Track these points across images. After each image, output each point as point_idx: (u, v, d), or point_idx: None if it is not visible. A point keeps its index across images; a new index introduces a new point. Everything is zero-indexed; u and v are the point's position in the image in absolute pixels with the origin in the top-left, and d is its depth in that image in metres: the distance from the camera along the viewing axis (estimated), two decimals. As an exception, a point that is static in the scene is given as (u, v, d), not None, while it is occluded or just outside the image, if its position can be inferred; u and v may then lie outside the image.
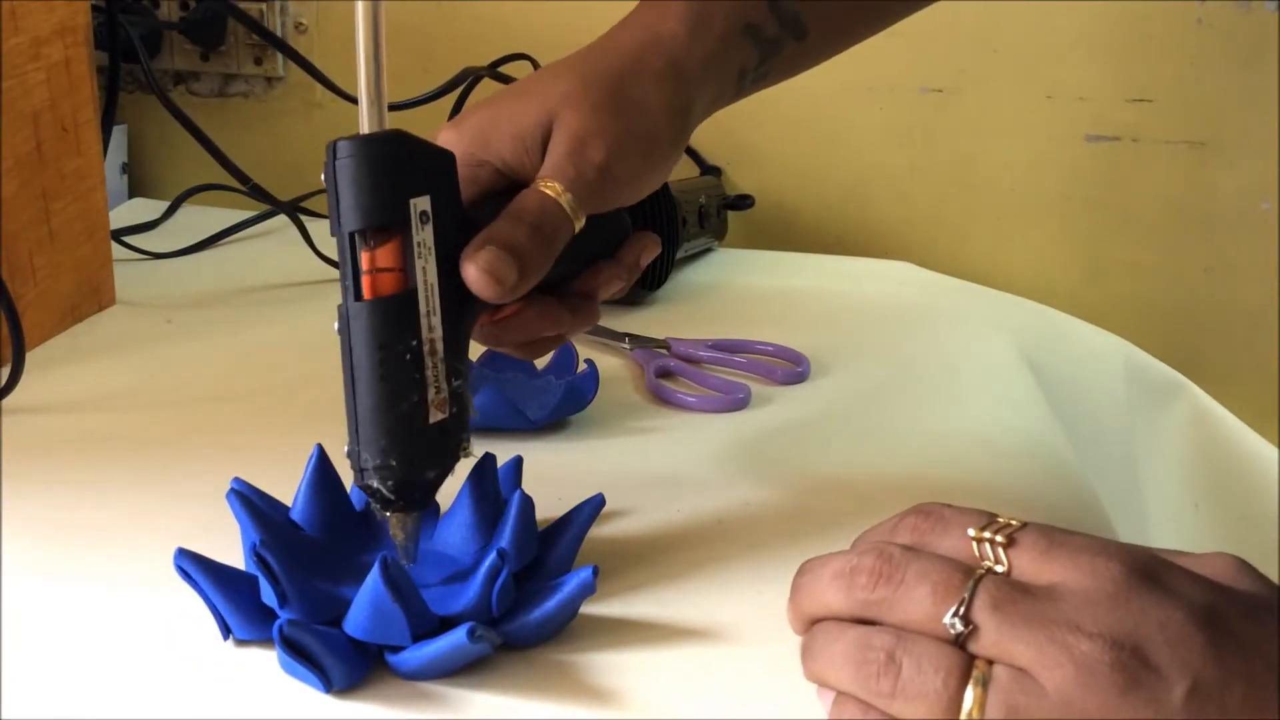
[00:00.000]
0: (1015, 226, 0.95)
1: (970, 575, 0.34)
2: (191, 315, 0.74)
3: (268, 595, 0.39)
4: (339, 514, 0.45)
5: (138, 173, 1.02)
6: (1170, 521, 0.86)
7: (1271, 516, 0.83)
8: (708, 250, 0.89)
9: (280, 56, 0.96)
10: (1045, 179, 0.93)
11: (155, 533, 0.47)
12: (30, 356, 0.59)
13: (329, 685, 0.38)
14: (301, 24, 0.97)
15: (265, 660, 0.40)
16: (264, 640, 0.40)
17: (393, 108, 0.84)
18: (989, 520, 0.36)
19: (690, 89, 0.49)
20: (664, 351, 0.69)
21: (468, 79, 0.84)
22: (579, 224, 0.45)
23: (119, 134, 0.98)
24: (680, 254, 0.82)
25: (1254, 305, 0.92)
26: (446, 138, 0.47)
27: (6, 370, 0.58)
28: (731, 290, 0.83)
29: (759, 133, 0.94)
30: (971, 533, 0.36)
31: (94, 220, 0.71)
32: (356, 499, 0.47)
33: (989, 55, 0.91)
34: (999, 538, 0.35)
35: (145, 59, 0.84)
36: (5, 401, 0.58)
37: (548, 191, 0.45)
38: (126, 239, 0.84)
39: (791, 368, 0.67)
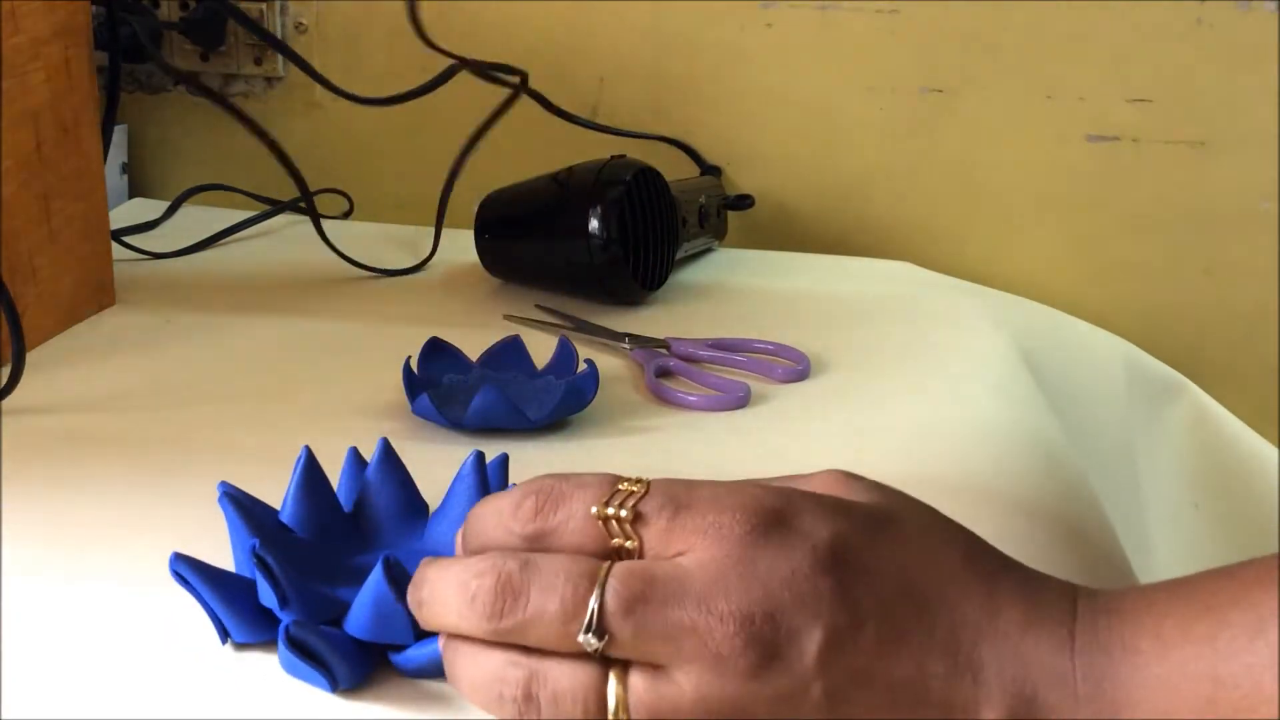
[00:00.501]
0: (1015, 226, 0.95)
1: (595, 579, 0.32)
2: (191, 315, 0.74)
3: (266, 597, 0.39)
4: (329, 516, 0.45)
5: (138, 173, 1.02)
6: (1170, 521, 0.86)
7: (1271, 516, 0.83)
8: (708, 250, 0.89)
9: (280, 57, 0.96)
10: (1045, 179, 0.93)
11: (155, 533, 0.47)
12: (30, 356, 0.59)
13: (335, 685, 0.38)
14: (301, 24, 0.97)
15: (265, 661, 0.40)
16: (262, 643, 0.40)
17: (386, 102, 0.84)
18: (611, 491, 0.34)
19: None
20: (664, 351, 0.69)
21: (455, 72, 0.84)
22: None
23: (119, 134, 0.98)
24: (680, 254, 0.82)
25: (1254, 305, 0.92)
26: None
27: (6, 370, 0.58)
28: (731, 290, 0.83)
29: (759, 133, 0.94)
30: (595, 510, 0.34)
31: (94, 220, 0.71)
32: (345, 500, 0.47)
33: (989, 55, 0.91)
34: (624, 512, 0.33)
35: (155, 52, 0.84)
36: (5, 401, 0.58)
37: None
38: (126, 239, 0.84)
39: (792, 366, 0.67)
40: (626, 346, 0.70)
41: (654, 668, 0.31)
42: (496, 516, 0.35)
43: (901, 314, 0.79)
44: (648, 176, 0.77)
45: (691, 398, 0.63)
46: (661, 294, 0.80)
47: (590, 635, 0.31)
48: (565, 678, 0.32)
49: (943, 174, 0.94)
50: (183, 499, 0.50)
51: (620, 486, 0.34)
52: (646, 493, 0.33)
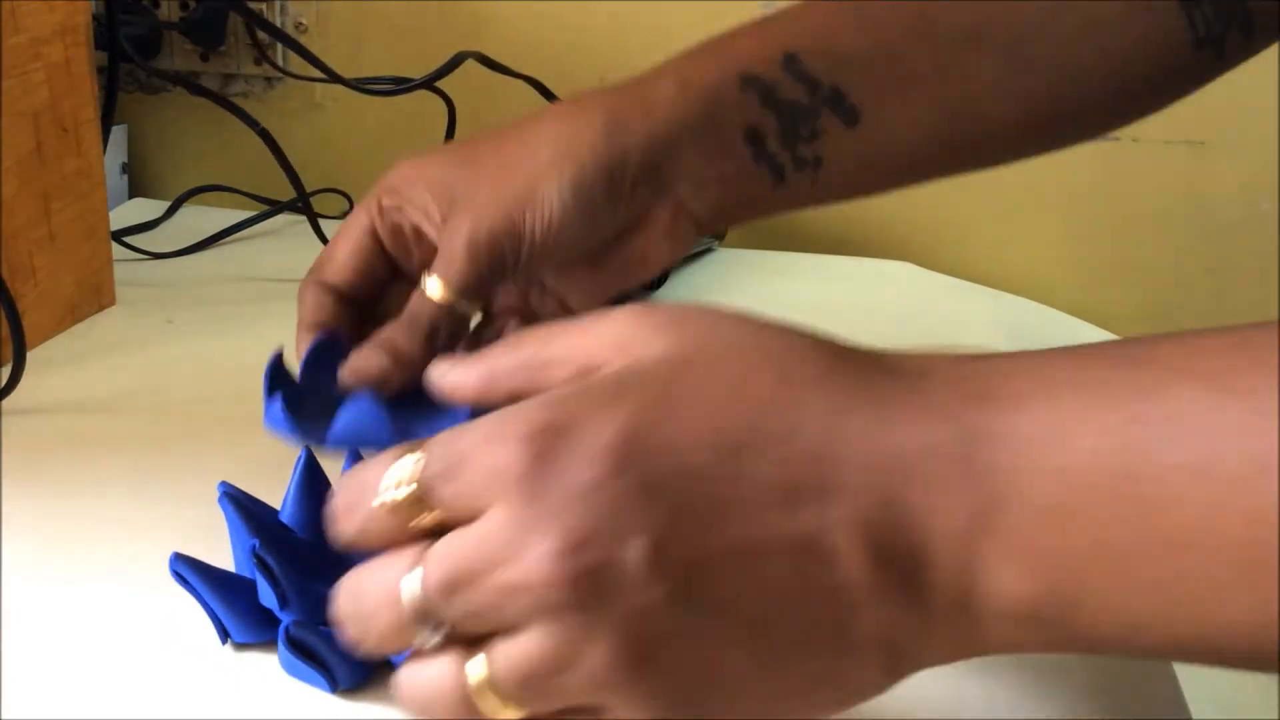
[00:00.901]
0: (1015, 226, 0.95)
1: (401, 586, 0.30)
2: (191, 315, 0.74)
3: (266, 597, 0.39)
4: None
5: (138, 173, 1.02)
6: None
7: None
8: (708, 250, 0.89)
9: (280, 56, 0.96)
10: (1045, 179, 0.93)
11: (155, 533, 0.47)
12: (30, 356, 0.59)
13: (335, 685, 0.38)
14: (301, 24, 0.97)
15: (265, 662, 0.40)
16: (262, 643, 0.40)
17: (390, 92, 0.84)
18: (391, 475, 0.31)
19: (628, 128, 0.46)
20: (664, 351, 0.69)
21: (460, 61, 0.84)
22: (468, 310, 0.46)
23: (119, 134, 0.98)
24: (680, 254, 0.82)
25: (1254, 305, 0.92)
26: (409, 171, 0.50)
27: (6, 370, 0.58)
28: (731, 290, 0.83)
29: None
30: (376, 505, 0.31)
31: (94, 220, 0.71)
32: None
33: (989, 55, 0.91)
34: (406, 491, 0.31)
35: (141, 62, 0.84)
36: (5, 401, 0.58)
37: (425, 288, 0.46)
38: (126, 239, 0.84)
39: (792, 368, 0.67)
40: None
41: (510, 628, 0.29)
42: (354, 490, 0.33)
43: (901, 314, 0.79)
44: (648, 176, 0.77)
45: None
46: (661, 294, 0.80)
47: (427, 631, 0.30)
48: (426, 674, 0.31)
49: (943, 174, 0.94)
50: (183, 499, 0.50)
51: (400, 462, 0.31)
52: (425, 463, 0.31)
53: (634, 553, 0.28)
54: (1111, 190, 0.92)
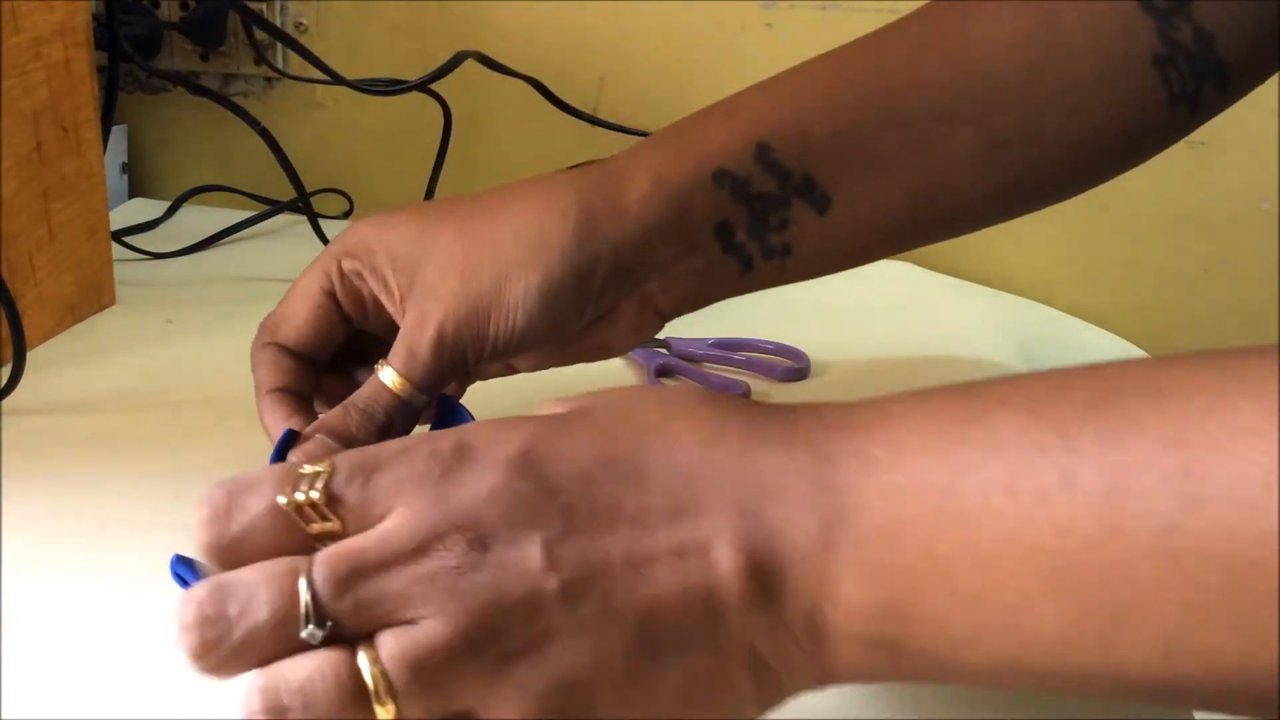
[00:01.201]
0: (1015, 226, 0.94)
1: (298, 573, 0.30)
2: (191, 315, 0.74)
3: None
4: None
5: (138, 173, 1.02)
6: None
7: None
8: (708, 250, 0.89)
9: (280, 56, 0.96)
10: (1045, 179, 0.93)
11: (155, 533, 0.47)
12: (30, 356, 0.59)
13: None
14: (302, 24, 0.97)
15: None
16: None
17: (390, 92, 0.84)
18: (295, 478, 0.32)
19: (599, 232, 0.46)
20: (664, 351, 0.69)
21: (460, 61, 0.84)
22: (420, 400, 0.46)
23: (119, 134, 0.98)
24: (680, 254, 0.82)
25: (1254, 305, 0.92)
26: (329, 261, 0.49)
27: (6, 370, 0.58)
28: (731, 290, 0.83)
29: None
30: (283, 502, 0.31)
31: (94, 220, 0.71)
32: None
33: (989, 55, 0.91)
34: (314, 494, 0.31)
35: (141, 62, 0.84)
36: (5, 401, 0.58)
37: (380, 378, 0.45)
38: (126, 239, 0.84)
39: (792, 365, 0.67)
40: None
41: (400, 623, 0.30)
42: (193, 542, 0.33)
43: (901, 314, 0.79)
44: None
45: (691, 398, 0.63)
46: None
47: (311, 627, 0.30)
48: (305, 670, 0.30)
49: (943, 174, 0.94)
50: (183, 499, 0.50)
51: (303, 470, 0.32)
52: (334, 470, 0.31)
53: (531, 548, 0.30)
54: (1111, 190, 0.92)
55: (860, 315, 0.78)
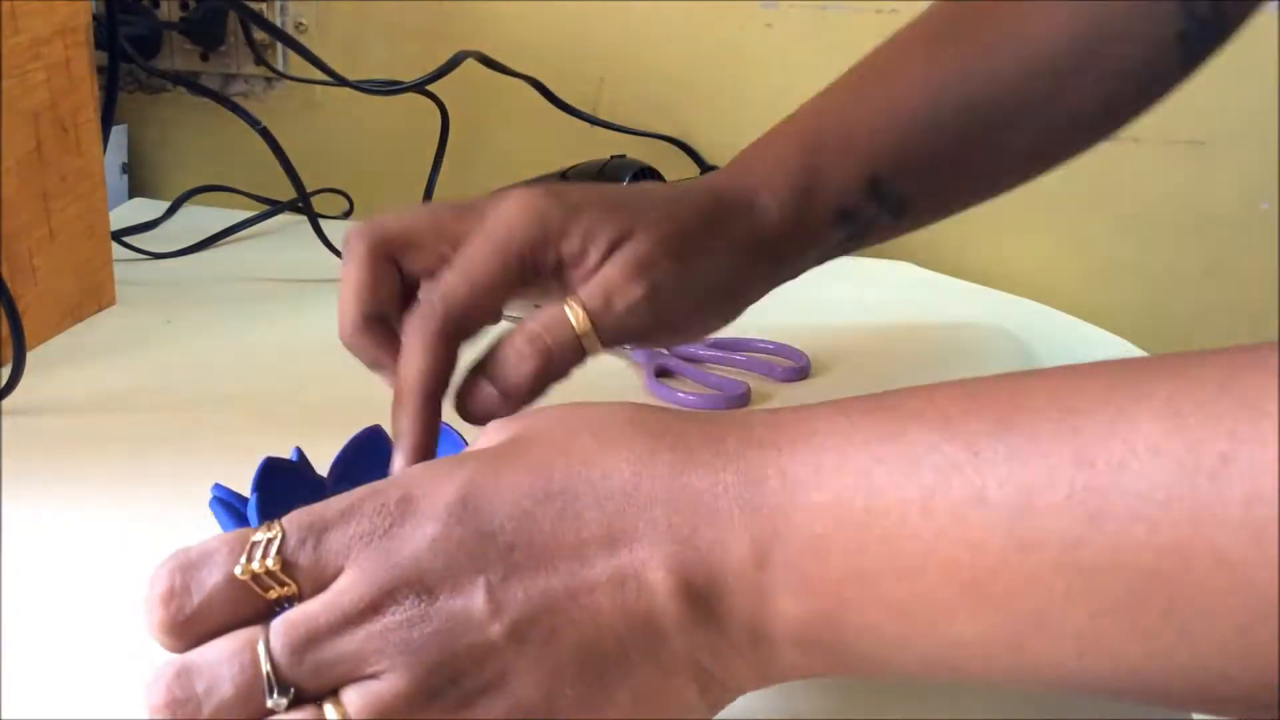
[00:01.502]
0: (1015, 226, 0.95)
1: (255, 645, 0.31)
2: (191, 315, 0.74)
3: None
4: None
5: (138, 173, 1.02)
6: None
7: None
8: (708, 250, 0.89)
9: (280, 57, 0.96)
10: (1045, 179, 0.93)
11: (155, 533, 0.47)
12: (30, 356, 0.59)
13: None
14: (302, 24, 0.97)
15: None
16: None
17: (392, 91, 0.84)
18: (245, 547, 0.33)
19: (762, 266, 0.50)
20: (664, 351, 0.69)
21: (460, 61, 0.84)
22: (592, 354, 0.45)
23: (119, 134, 0.98)
24: (680, 254, 0.82)
25: (1254, 305, 0.92)
26: (534, 200, 0.45)
27: (6, 370, 0.58)
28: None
29: (759, 132, 0.93)
30: (239, 572, 0.32)
31: (94, 220, 0.71)
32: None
33: (989, 55, 0.91)
34: (269, 563, 0.32)
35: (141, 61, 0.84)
36: (5, 401, 0.58)
37: (569, 314, 0.45)
38: (126, 239, 0.84)
39: (792, 365, 0.67)
40: (627, 346, 0.70)
41: (362, 678, 0.31)
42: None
43: (901, 314, 0.79)
44: (647, 176, 0.77)
45: (691, 397, 0.63)
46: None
47: (275, 695, 0.31)
48: None
49: (943, 174, 0.94)
50: (183, 499, 0.50)
51: (255, 539, 0.33)
52: (283, 535, 0.32)
53: (477, 593, 0.31)
54: (1111, 190, 0.92)
55: (860, 315, 0.78)
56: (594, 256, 0.45)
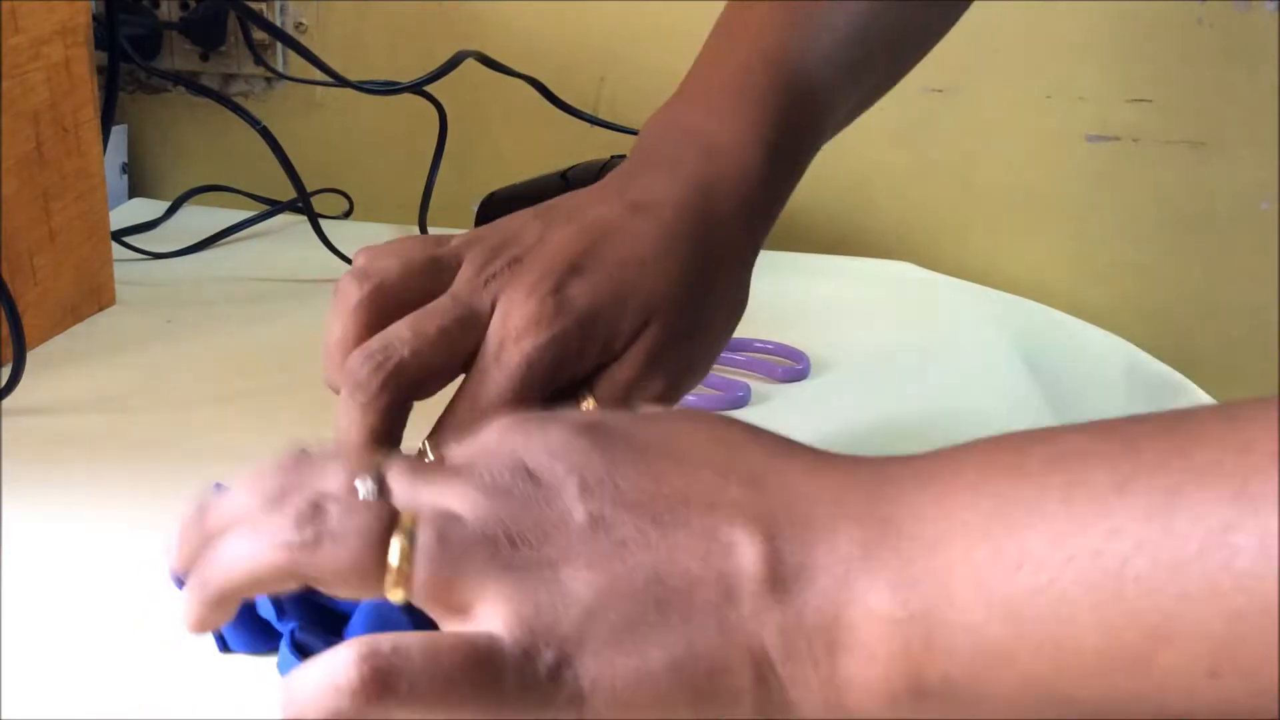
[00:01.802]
0: (1015, 226, 0.95)
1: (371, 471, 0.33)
2: (191, 315, 0.74)
3: (265, 608, 0.39)
4: None
5: (138, 173, 1.02)
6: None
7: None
8: (708, 250, 0.89)
9: (280, 57, 0.96)
10: (1045, 179, 0.93)
11: (155, 534, 0.47)
12: (30, 356, 0.59)
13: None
14: (302, 24, 0.97)
15: (265, 668, 0.40)
16: (260, 652, 0.40)
17: (392, 91, 0.84)
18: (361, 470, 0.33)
19: (758, 238, 0.49)
20: (664, 351, 0.69)
21: (460, 61, 0.84)
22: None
23: (119, 134, 0.98)
24: (680, 254, 0.82)
25: (1254, 305, 0.92)
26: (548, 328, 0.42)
27: (6, 370, 0.58)
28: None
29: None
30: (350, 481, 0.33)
31: (94, 220, 0.71)
32: None
33: (989, 55, 0.91)
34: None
35: (141, 61, 0.83)
36: (5, 401, 0.58)
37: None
38: (126, 239, 0.84)
39: (792, 365, 0.67)
40: None
41: (435, 511, 0.32)
42: (244, 510, 0.34)
43: (901, 314, 0.79)
44: (648, 176, 0.77)
45: (691, 398, 0.63)
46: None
47: (370, 482, 0.32)
48: (352, 501, 0.32)
49: (943, 174, 0.94)
50: (182, 500, 0.50)
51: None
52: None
53: (571, 479, 0.32)
54: (1111, 190, 0.92)
55: (860, 315, 0.78)
56: (618, 348, 0.44)
